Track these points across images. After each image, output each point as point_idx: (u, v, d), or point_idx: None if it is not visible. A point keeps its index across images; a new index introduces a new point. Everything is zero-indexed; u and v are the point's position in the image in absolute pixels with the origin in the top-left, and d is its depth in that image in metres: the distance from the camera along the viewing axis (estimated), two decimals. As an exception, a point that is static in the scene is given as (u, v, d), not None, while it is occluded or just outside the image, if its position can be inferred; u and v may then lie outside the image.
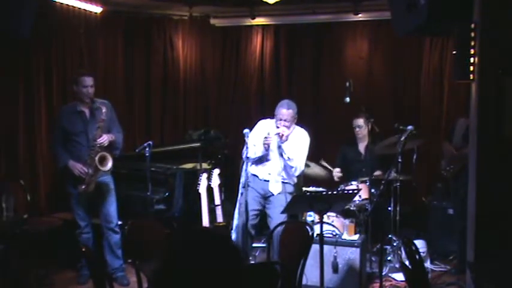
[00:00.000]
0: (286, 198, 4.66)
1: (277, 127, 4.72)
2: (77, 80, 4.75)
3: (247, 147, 4.55)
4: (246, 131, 4.56)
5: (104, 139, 4.71)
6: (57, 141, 4.83)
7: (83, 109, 4.80)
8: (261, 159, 4.85)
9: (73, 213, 4.93)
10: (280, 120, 4.70)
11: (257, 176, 4.85)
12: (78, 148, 4.78)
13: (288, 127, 4.73)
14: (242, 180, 4.61)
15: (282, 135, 4.69)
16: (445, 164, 5.32)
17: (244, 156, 4.57)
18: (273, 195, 4.82)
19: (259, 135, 4.83)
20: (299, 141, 4.85)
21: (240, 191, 4.71)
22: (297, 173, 4.90)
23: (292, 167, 4.80)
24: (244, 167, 4.59)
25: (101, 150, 4.71)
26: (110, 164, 4.76)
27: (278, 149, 4.76)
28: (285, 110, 4.70)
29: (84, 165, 4.71)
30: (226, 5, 6.80)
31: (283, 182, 4.84)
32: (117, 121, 5.02)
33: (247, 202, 4.50)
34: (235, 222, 5.00)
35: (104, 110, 4.72)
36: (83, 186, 4.73)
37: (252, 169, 4.82)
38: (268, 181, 4.84)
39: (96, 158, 4.68)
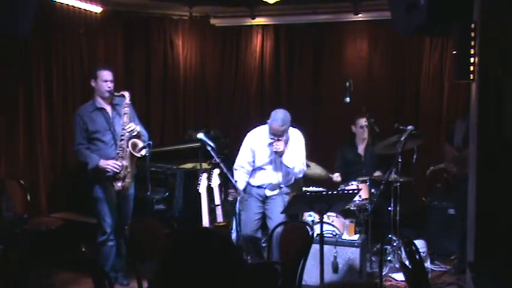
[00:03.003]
0: (284, 199, 4.66)
1: (271, 142, 4.59)
2: (95, 74, 4.66)
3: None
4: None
5: (133, 126, 4.60)
6: (81, 144, 4.66)
7: (104, 106, 4.70)
8: (259, 169, 4.81)
9: (99, 219, 4.75)
10: (274, 135, 4.57)
11: (252, 185, 4.84)
12: (103, 148, 4.65)
13: (283, 140, 4.60)
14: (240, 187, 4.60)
15: (278, 151, 4.59)
16: (447, 166, 5.32)
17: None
18: (272, 196, 4.80)
19: (252, 148, 4.78)
20: (296, 143, 4.76)
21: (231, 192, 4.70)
22: (301, 174, 4.89)
23: (296, 173, 4.78)
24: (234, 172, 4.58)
25: (130, 137, 4.60)
26: (144, 150, 4.59)
27: (278, 163, 4.72)
28: (278, 127, 4.52)
29: (117, 159, 4.57)
30: (226, 5, 6.80)
31: (279, 187, 4.81)
32: (137, 118, 4.91)
33: (246, 212, 4.65)
34: (234, 222, 5.01)
35: (127, 95, 4.63)
36: (120, 184, 4.60)
37: (244, 177, 4.79)
38: (264, 188, 4.82)
39: (129, 146, 4.57)
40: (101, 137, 4.67)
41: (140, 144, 4.65)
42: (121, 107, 4.69)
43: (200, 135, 4.47)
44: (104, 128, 4.67)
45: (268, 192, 4.80)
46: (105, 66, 4.80)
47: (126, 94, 4.66)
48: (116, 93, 4.69)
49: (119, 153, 4.62)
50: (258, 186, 4.82)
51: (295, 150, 4.73)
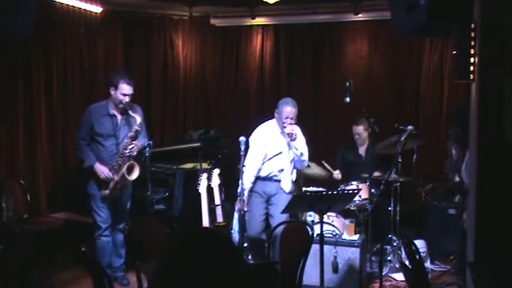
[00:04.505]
0: (288, 198, 4.65)
1: (284, 126, 4.67)
2: (117, 85, 4.62)
3: (244, 155, 4.49)
4: (241, 139, 4.44)
5: (134, 148, 4.67)
6: (83, 140, 4.71)
7: (115, 113, 4.73)
8: (268, 160, 4.79)
9: (94, 214, 4.79)
10: (287, 118, 4.66)
11: (260, 177, 4.80)
12: (102, 151, 4.70)
13: (294, 123, 4.69)
14: (239, 189, 4.53)
15: (292, 134, 4.64)
16: (449, 164, 5.30)
17: (241, 164, 4.47)
18: (276, 195, 4.80)
19: (264, 141, 4.78)
20: (299, 135, 4.83)
21: (237, 202, 4.61)
22: (305, 163, 4.98)
23: (303, 161, 4.86)
24: (242, 175, 4.50)
25: (129, 159, 4.68)
26: (136, 174, 4.71)
27: (289, 148, 4.76)
28: (291, 108, 4.66)
29: (110, 170, 4.66)
30: (226, 5, 6.81)
31: (292, 180, 4.84)
32: (145, 128, 4.95)
33: (251, 213, 4.63)
34: (235, 221, 5.00)
35: (138, 121, 4.66)
36: (107, 191, 4.68)
37: (254, 171, 4.75)
38: (271, 180, 4.79)
39: (125, 167, 4.64)
40: (103, 141, 4.71)
41: (136, 171, 4.71)
42: (134, 121, 4.69)
43: None
44: (108, 134, 4.71)
45: (284, 185, 4.77)
46: (128, 80, 4.67)
47: (138, 120, 4.67)
48: (130, 111, 4.68)
49: (114, 166, 4.67)
50: (264, 178, 4.79)
51: (301, 141, 4.83)
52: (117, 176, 4.67)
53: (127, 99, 4.67)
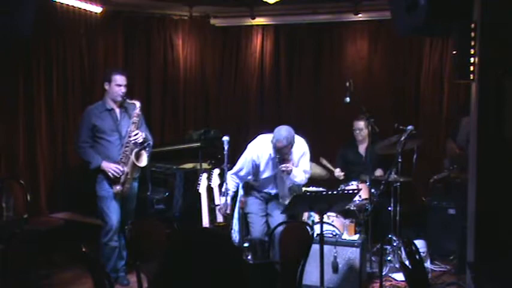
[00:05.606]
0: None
1: (277, 161, 4.43)
2: (110, 78, 4.71)
3: (227, 155, 4.34)
4: (225, 138, 4.34)
5: (139, 135, 4.67)
6: (85, 142, 4.70)
7: (113, 106, 4.76)
8: (264, 179, 4.70)
9: (104, 216, 4.73)
10: (280, 154, 4.41)
11: (257, 189, 4.77)
12: (107, 147, 4.70)
13: (289, 157, 4.45)
14: (223, 189, 4.48)
15: (286, 171, 4.45)
16: (448, 163, 5.30)
17: (224, 164, 4.37)
18: (275, 196, 4.79)
19: (256, 163, 4.61)
20: (301, 153, 4.64)
21: (228, 201, 4.51)
22: (305, 182, 4.83)
23: (302, 184, 4.79)
24: (226, 176, 4.42)
25: (135, 146, 4.68)
26: (145, 159, 4.71)
27: (284, 178, 4.62)
28: (283, 146, 4.32)
29: (119, 164, 4.65)
30: (226, 5, 6.81)
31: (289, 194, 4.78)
32: (145, 124, 4.96)
33: (252, 214, 4.65)
34: (235, 221, 5.00)
35: (138, 105, 4.72)
36: (118, 187, 4.66)
37: (233, 182, 4.67)
38: (271, 193, 4.76)
39: (133, 155, 4.64)
40: (107, 137, 4.72)
41: (145, 156, 4.73)
42: (129, 110, 4.77)
43: None
44: (110, 129, 4.73)
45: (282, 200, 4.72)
46: (120, 71, 4.85)
47: (137, 104, 4.75)
48: (128, 100, 4.77)
49: (122, 158, 4.68)
50: (265, 192, 4.78)
51: (302, 163, 4.66)
52: (126, 167, 4.67)
53: (123, 89, 4.72)
